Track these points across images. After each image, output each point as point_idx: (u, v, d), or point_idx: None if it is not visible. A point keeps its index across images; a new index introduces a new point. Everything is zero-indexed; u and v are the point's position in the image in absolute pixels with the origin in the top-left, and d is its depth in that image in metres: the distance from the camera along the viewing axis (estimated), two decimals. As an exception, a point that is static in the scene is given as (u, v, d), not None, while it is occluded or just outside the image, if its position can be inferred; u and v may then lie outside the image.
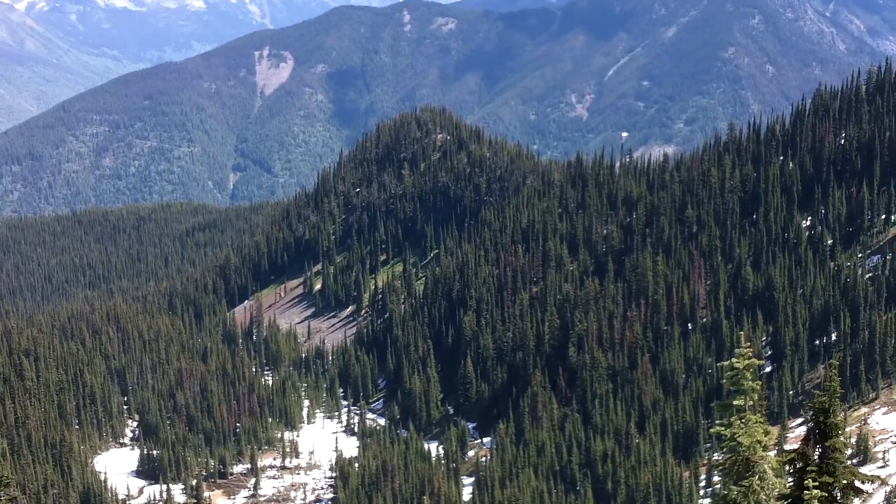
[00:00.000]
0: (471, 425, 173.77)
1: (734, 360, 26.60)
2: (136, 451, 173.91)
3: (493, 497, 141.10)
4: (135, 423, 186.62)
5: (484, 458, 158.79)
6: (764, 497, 25.30)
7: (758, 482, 25.40)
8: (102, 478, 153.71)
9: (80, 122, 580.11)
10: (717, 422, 27.25)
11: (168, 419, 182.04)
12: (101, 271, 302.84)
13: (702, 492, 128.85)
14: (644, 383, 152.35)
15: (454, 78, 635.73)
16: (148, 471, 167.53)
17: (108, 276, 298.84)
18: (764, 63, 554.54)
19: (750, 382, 26.40)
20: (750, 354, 26.74)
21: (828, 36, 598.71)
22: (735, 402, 26.52)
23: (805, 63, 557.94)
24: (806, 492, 25.79)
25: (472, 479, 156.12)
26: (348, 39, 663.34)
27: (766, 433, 26.64)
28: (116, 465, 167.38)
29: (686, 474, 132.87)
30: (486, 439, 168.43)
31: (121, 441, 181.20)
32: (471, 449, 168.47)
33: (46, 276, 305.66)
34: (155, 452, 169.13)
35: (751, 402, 26.51)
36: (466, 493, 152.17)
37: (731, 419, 26.47)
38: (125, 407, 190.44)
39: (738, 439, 25.91)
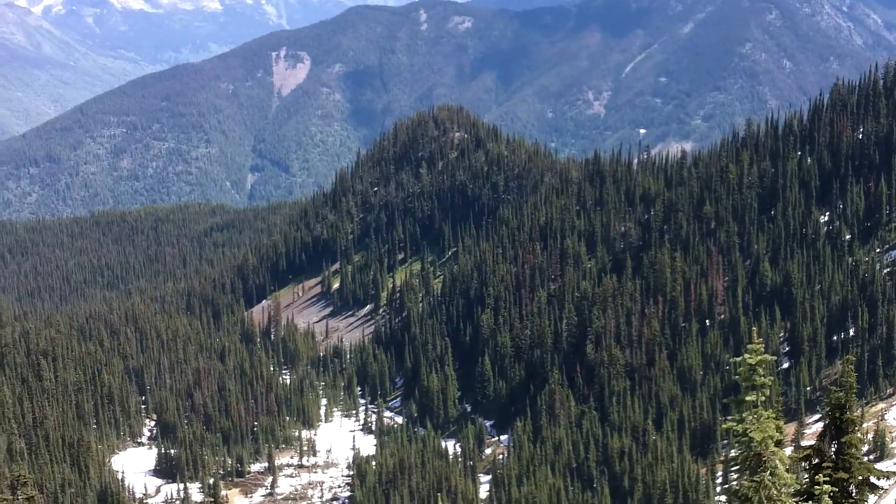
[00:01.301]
0: (488, 423, 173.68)
1: (746, 355, 26.47)
2: (154, 451, 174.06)
3: (510, 495, 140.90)
4: (152, 423, 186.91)
5: (501, 456, 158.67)
6: (775, 492, 25.11)
7: (769, 477, 25.23)
8: (120, 477, 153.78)
9: (97, 124, 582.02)
10: (730, 417, 27.10)
11: (185, 418, 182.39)
12: (118, 272, 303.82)
13: (718, 488, 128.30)
14: (661, 380, 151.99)
15: (471, 77, 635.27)
16: (165, 470, 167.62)
17: (126, 277, 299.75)
18: (781, 58, 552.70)
19: (762, 378, 26.27)
20: (762, 350, 26.58)
21: (845, 30, 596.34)
22: (747, 398, 26.36)
23: (822, 58, 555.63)
24: (817, 486, 25.58)
25: (489, 477, 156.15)
26: (365, 39, 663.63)
27: (779, 429, 26.48)
28: (134, 464, 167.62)
29: (703, 471, 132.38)
30: (503, 437, 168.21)
31: (138, 440, 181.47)
32: (488, 447, 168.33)
33: (64, 277, 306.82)
34: (172, 451, 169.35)
35: (763, 398, 26.35)
36: (483, 491, 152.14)
37: (744, 414, 26.30)
38: (143, 406, 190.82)
39: (749, 434, 25.80)
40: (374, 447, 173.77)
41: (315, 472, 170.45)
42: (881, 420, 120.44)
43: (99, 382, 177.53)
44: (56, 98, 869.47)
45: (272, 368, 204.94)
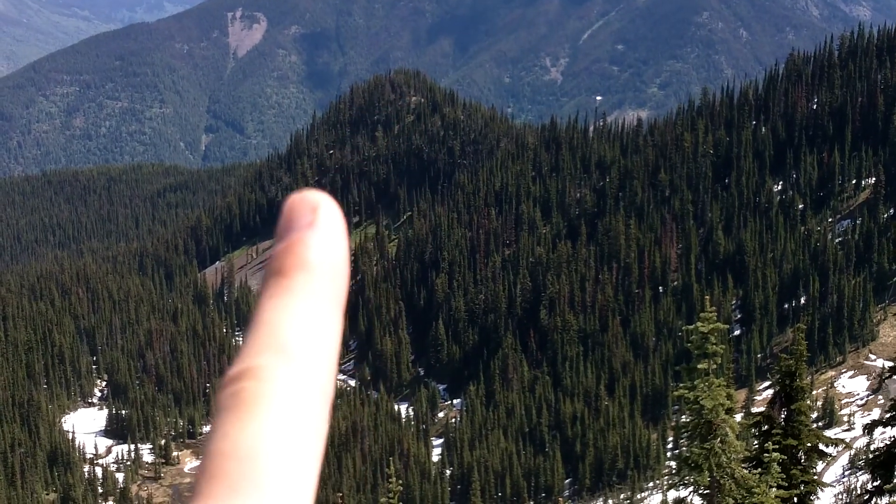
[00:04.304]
0: (441, 387, 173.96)
1: (699, 323, 26.53)
2: (105, 411, 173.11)
3: (463, 458, 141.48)
4: (104, 383, 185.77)
5: (454, 420, 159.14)
6: (725, 459, 25.26)
7: (719, 444, 25.36)
8: (70, 437, 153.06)
9: (50, 82, 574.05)
10: (681, 385, 27.20)
11: (137, 379, 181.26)
12: (70, 232, 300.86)
13: (669, 453, 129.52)
14: (614, 346, 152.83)
15: (428, 41, 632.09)
16: (116, 430, 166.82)
17: (78, 237, 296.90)
18: (738, 28, 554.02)
19: (714, 346, 26.37)
20: (714, 318, 26.68)
21: (801, 1, 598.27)
22: (699, 366, 26.46)
23: (778, 28, 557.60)
24: (766, 454, 25.76)
25: (441, 441, 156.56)
26: (322, 1, 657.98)
27: (729, 396, 26.61)
28: (84, 424, 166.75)
29: (654, 436, 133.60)
30: (456, 401, 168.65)
31: (89, 401, 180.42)
32: (441, 410, 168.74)
33: (15, 236, 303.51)
34: (123, 412, 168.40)
35: (714, 366, 26.46)
36: (436, 454, 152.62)
37: (695, 382, 26.40)
38: (94, 367, 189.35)
39: (700, 402, 25.89)
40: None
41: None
42: (830, 388, 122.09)
43: (50, 342, 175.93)
44: (8, 55, 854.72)
45: (225, 330, 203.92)
